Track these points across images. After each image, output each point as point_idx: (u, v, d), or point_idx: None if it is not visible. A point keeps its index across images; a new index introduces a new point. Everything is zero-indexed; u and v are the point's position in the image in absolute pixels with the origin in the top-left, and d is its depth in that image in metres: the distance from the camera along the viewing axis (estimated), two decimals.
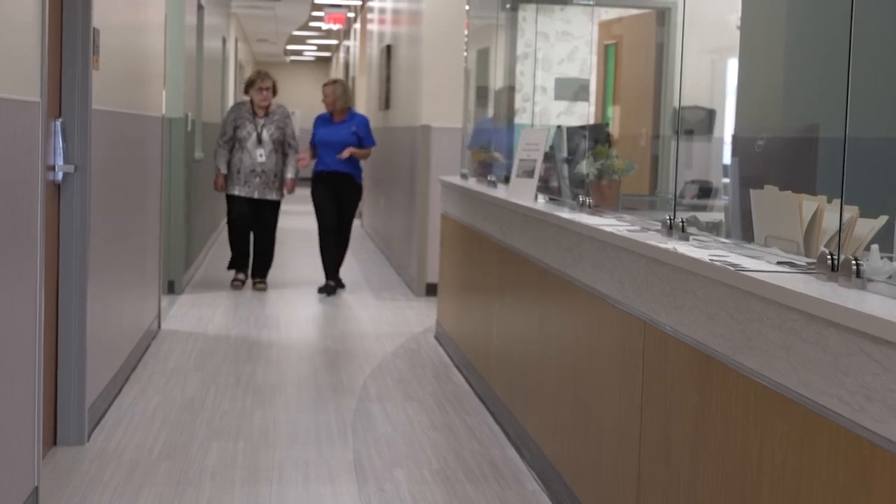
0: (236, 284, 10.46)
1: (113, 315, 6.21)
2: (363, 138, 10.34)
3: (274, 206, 10.40)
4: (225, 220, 11.34)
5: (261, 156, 10.11)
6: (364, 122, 10.47)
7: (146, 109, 7.40)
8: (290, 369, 7.09)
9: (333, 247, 10.32)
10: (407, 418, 6.09)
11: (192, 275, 10.93)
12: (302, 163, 10.37)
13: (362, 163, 10.61)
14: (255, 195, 10.17)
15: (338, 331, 8.44)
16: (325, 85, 10.56)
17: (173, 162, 9.89)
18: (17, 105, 4.06)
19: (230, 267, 10.57)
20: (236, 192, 10.21)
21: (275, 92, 10.30)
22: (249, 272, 10.56)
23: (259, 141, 10.11)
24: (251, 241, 10.49)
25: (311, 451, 5.47)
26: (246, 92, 10.36)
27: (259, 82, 10.19)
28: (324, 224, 10.34)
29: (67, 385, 5.27)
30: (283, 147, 10.27)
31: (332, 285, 10.32)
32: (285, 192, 10.42)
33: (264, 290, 10.34)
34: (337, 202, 10.32)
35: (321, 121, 10.51)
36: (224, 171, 10.21)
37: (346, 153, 10.11)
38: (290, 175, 10.34)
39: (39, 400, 4.47)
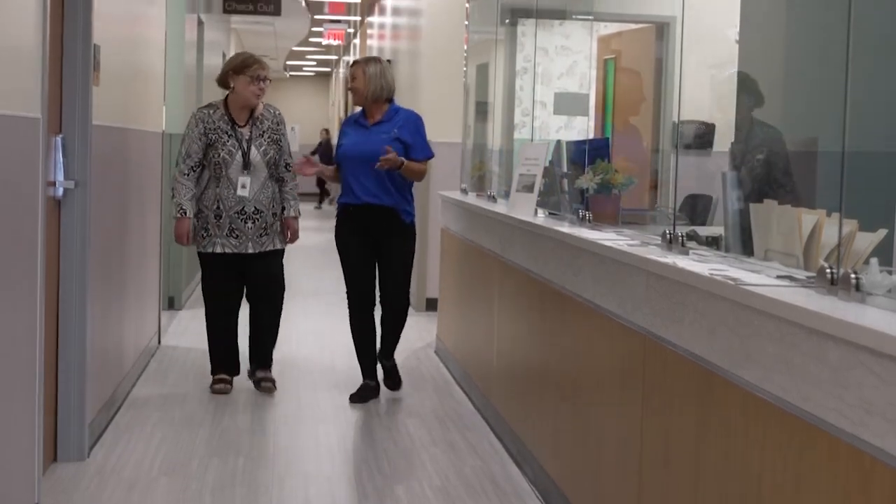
0: (221, 388, 6.86)
1: (113, 331, 6.21)
2: (412, 147, 6.60)
3: (276, 257, 6.86)
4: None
5: (243, 187, 6.63)
6: (413, 121, 6.69)
7: (146, 125, 7.41)
8: (290, 385, 7.08)
9: (371, 328, 6.78)
10: (407, 434, 6.09)
11: (193, 290, 10.92)
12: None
13: (416, 188, 6.90)
14: (250, 249, 6.70)
15: (338, 345, 8.42)
16: (352, 65, 6.87)
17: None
18: (18, 121, 4.06)
19: (215, 371, 6.95)
20: (218, 250, 6.70)
21: None
22: (248, 359, 7.07)
23: (245, 164, 6.65)
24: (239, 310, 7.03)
25: (311, 468, 5.46)
26: (224, 83, 6.78)
27: (256, 67, 6.69)
28: (355, 290, 6.73)
29: (67, 401, 5.27)
30: (277, 170, 6.80)
31: (373, 385, 6.81)
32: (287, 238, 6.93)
33: (272, 389, 6.89)
34: (375, 253, 6.68)
35: (349, 125, 6.81)
36: (191, 213, 6.66)
37: (387, 159, 6.35)
38: (291, 213, 6.83)
39: (40, 416, 4.46)
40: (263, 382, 6.87)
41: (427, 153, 6.68)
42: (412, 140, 6.59)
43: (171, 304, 9.89)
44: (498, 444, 5.87)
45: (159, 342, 8.28)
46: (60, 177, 5.07)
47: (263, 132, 6.72)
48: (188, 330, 8.95)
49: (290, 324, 9.37)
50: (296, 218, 6.87)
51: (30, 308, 4.27)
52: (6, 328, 3.95)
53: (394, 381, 6.91)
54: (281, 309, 6.97)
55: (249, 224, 6.66)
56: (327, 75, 36.72)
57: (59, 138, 5.05)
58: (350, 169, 6.60)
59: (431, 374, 7.58)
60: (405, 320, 6.87)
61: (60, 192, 5.11)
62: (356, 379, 6.83)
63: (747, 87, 4.78)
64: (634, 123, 7.12)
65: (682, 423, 3.38)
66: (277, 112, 6.89)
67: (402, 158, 6.45)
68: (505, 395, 5.93)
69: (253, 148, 6.66)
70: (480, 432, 6.12)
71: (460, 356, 7.32)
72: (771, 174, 4.49)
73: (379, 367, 6.90)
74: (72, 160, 5.16)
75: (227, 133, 6.65)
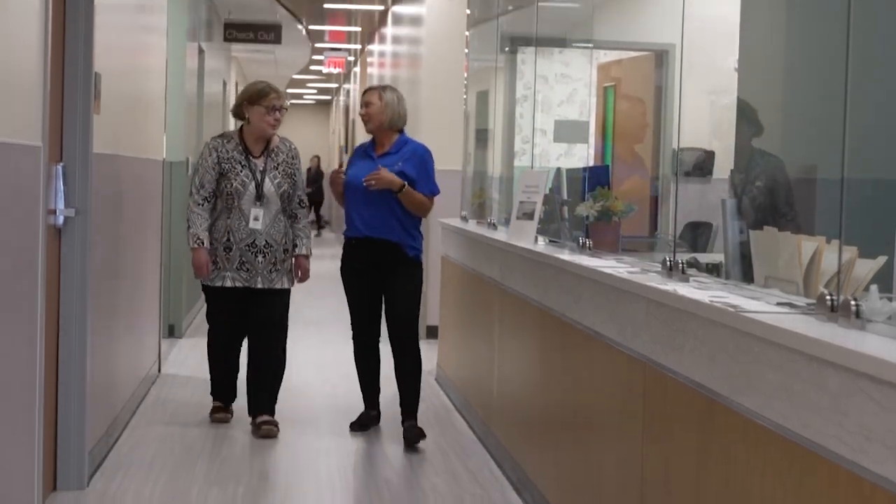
0: (221, 417, 6.81)
1: (113, 359, 6.20)
2: (416, 182, 6.34)
3: (282, 297, 6.64)
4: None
5: (256, 219, 6.43)
6: (420, 154, 6.43)
7: (147, 153, 7.42)
8: (290, 414, 7.06)
9: (374, 359, 6.70)
10: (408, 462, 6.07)
11: (193, 318, 10.92)
12: (336, 177, 6.53)
13: (424, 225, 6.76)
14: (259, 284, 6.49)
15: (338, 373, 8.42)
16: (366, 91, 6.60)
17: (174, 205, 9.90)
18: (19, 149, 4.07)
19: (216, 396, 6.91)
20: (228, 284, 6.50)
21: None
22: (248, 401, 6.73)
23: (258, 196, 6.46)
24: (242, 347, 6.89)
25: (312, 497, 5.45)
26: (239, 114, 6.61)
27: (273, 96, 6.51)
28: (358, 325, 6.64)
29: (67, 429, 5.26)
30: (290, 204, 6.63)
31: (374, 414, 6.76)
32: (296, 278, 6.73)
33: (275, 433, 6.51)
34: (379, 288, 6.51)
35: (357, 154, 6.65)
36: (207, 243, 6.45)
37: (379, 177, 6.23)
38: (303, 251, 6.65)
39: (40, 444, 4.46)
40: (264, 425, 6.49)
41: (431, 188, 6.39)
42: (416, 174, 6.32)
43: (172, 332, 9.89)
44: (498, 472, 5.85)
45: (159, 370, 8.27)
46: (61, 205, 5.07)
47: (278, 164, 6.51)
48: (188, 358, 8.94)
49: (290, 353, 9.34)
50: (307, 257, 6.67)
51: (30, 336, 4.27)
52: (6, 355, 3.94)
53: (419, 436, 6.38)
54: (284, 353, 6.73)
55: (260, 258, 6.44)
56: (328, 103, 36.82)
57: (59, 166, 5.06)
58: (352, 200, 6.39)
59: (432, 402, 7.56)
60: (420, 368, 6.55)
61: (61, 220, 5.11)
62: (357, 407, 6.81)
63: (747, 116, 4.79)
64: (639, 152, 7.13)
65: (682, 450, 3.38)
66: (293, 146, 6.70)
67: (403, 182, 6.21)
68: (505, 423, 5.92)
69: (267, 179, 6.44)
70: (481, 460, 6.10)
71: (461, 384, 7.31)
72: (773, 203, 4.49)
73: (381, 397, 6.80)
74: (72, 188, 5.16)
75: (240, 163, 6.44)
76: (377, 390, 6.73)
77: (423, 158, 6.39)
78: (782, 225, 4.24)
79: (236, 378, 6.88)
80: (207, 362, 6.88)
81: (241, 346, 6.81)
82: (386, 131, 6.42)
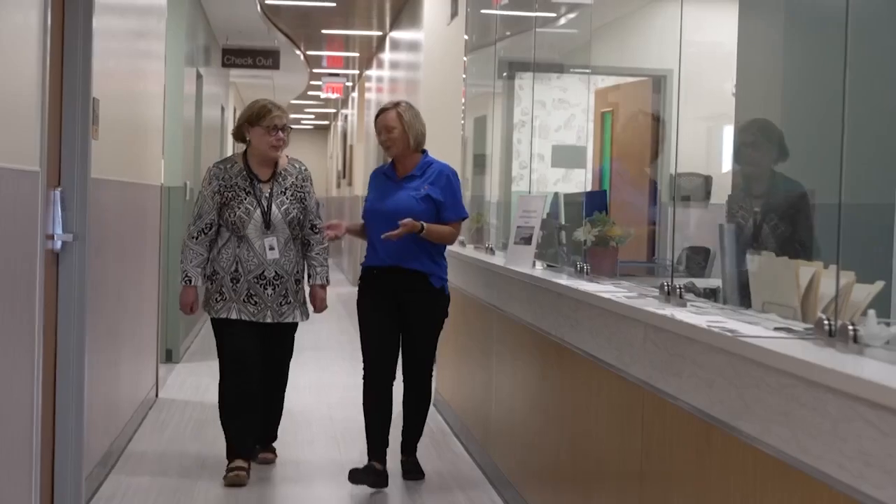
0: (238, 476, 5.96)
1: (111, 384, 6.19)
2: (443, 206, 5.92)
3: (290, 332, 6.26)
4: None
5: (271, 249, 5.96)
6: (446, 175, 5.95)
7: (145, 178, 7.43)
8: (289, 440, 7.05)
9: (386, 404, 5.94)
10: (406, 490, 6.05)
11: (190, 343, 10.91)
12: (332, 232, 5.96)
13: (449, 252, 6.37)
14: (269, 318, 6.02)
15: (336, 399, 8.41)
16: (382, 112, 6.01)
17: (172, 230, 9.91)
18: (17, 174, 4.07)
19: (234, 454, 6.06)
20: (234, 315, 5.99)
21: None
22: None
23: (267, 224, 5.98)
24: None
25: None
26: (240, 137, 6.15)
27: (274, 114, 6.01)
28: (372, 362, 5.96)
29: (64, 454, 5.24)
30: (302, 230, 6.18)
31: (380, 470, 5.88)
32: (310, 309, 6.31)
33: (272, 459, 6.45)
34: (399, 322, 5.98)
35: (377, 177, 6.11)
36: (197, 281, 6.01)
37: (399, 230, 5.69)
38: (318, 281, 6.20)
39: (37, 469, 4.44)
40: (262, 452, 6.38)
41: (460, 213, 5.94)
42: (443, 198, 5.85)
43: (169, 356, 9.87)
44: (496, 497, 5.84)
45: (157, 395, 8.25)
46: (59, 230, 5.07)
47: (286, 189, 6.02)
48: (186, 382, 8.93)
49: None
50: (324, 286, 6.18)
51: (27, 360, 4.27)
52: (3, 381, 3.94)
53: (415, 474, 6.16)
54: (285, 380, 6.45)
55: (269, 291, 5.95)
56: (325, 128, 36.90)
57: (57, 191, 5.06)
58: (374, 227, 5.86)
59: (430, 427, 7.53)
60: (429, 403, 6.22)
61: (59, 245, 5.11)
62: (355, 431, 6.79)
63: (772, 140, 4.62)
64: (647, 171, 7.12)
65: (681, 475, 3.37)
66: (304, 168, 6.19)
67: (421, 223, 5.72)
68: (503, 448, 5.90)
69: (274, 205, 5.96)
70: (479, 486, 6.08)
71: (459, 408, 7.30)
72: (797, 232, 4.38)
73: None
74: (70, 213, 5.16)
75: (244, 190, 5.95)
76: (386, 440, 5.95)
77: (449, 180, 5.91)
78: (806, 257, 4.16)
79: (257, 428, 6.23)
80: (221, 419, 6.12)
81: (257, 386, 6.09)
82: (403, 152, 5.92)
